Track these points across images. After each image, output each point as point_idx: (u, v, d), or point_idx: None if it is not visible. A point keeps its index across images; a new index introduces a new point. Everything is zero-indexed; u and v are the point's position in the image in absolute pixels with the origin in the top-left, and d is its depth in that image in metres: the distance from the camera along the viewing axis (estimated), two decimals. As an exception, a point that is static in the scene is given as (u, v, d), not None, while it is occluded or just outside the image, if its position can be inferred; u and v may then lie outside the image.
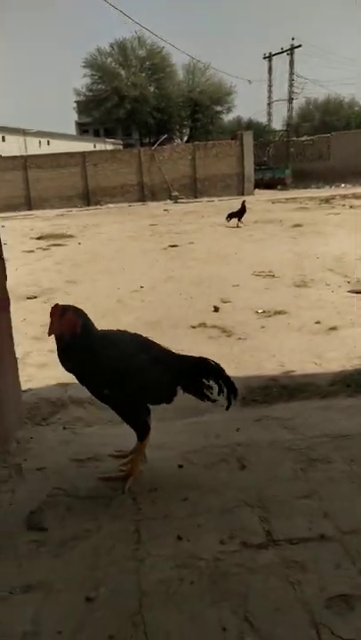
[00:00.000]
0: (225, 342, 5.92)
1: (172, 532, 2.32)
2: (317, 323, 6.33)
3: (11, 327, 3.49)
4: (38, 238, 16.35)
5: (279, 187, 35.71)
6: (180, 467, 2.88)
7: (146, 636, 1.77)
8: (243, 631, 1.79)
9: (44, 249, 14.21)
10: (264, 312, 6.96)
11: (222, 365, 2.84)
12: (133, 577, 2.05)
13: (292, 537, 2.27)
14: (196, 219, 19.82)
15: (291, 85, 45.07)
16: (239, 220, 16.47)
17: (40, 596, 1.98)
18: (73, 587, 2.02)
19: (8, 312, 3.47)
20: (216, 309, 7.21)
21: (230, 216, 16.67)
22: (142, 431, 2.77)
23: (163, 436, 3.23)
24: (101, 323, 2.77)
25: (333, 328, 6.10)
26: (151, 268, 10.72)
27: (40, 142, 47.70)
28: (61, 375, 4.55)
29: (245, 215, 16.58)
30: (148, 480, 2.75)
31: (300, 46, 44.18)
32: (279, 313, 6.88)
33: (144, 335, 2.87)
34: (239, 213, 16.51)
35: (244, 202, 17.13)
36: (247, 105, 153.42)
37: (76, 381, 2.66)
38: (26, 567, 2.13)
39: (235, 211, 16.74)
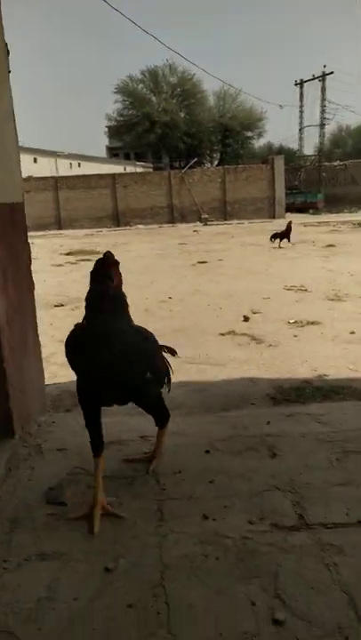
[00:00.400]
0: (255, 348, 5.76)
1: (197, 511, 2.19)
2: (352, 333, 6.13)
3: (35, 316, 3.43)
4: (67, 254, 16.48)
5: (311, 211, 35.62)
6: (207, 452, 2.75)
7: (167, 607, 1.63)
8: (273, 607, 1.64)
9: (73, 263, 14.29)
10: (296, 322, 6.78)
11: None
12: (155, 551, 1.92)
13: (328, 522, 2.11)
14: (226, 239, 19.77)
15: (322, 112, 45.20)
16: (281, 240, 15.99)
17: (57, 565, 1.86)
18: (91, 558, 1.90)
19: (33, 308, 3.42)
20: (246, 319, 7.05)
21: (275, 236, 16.14)
22: (166, 415, 2.66)
23: (189, 427, 3.12)
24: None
25: (369, 338, 5.90)
26: (180, 282, 10.65)
27: (71, 164, 48.15)
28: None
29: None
30: (173, 463, 2.62)
31: (331, 73, 44.33)
32: (312, 324, 6.69)
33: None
34: (283, 234, 16.04)
35: (290, 222, 16.66)
36: (278, 131, 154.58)
37: None
38: (43, 537, 2.02)
39: (279, 231, 16.29)
